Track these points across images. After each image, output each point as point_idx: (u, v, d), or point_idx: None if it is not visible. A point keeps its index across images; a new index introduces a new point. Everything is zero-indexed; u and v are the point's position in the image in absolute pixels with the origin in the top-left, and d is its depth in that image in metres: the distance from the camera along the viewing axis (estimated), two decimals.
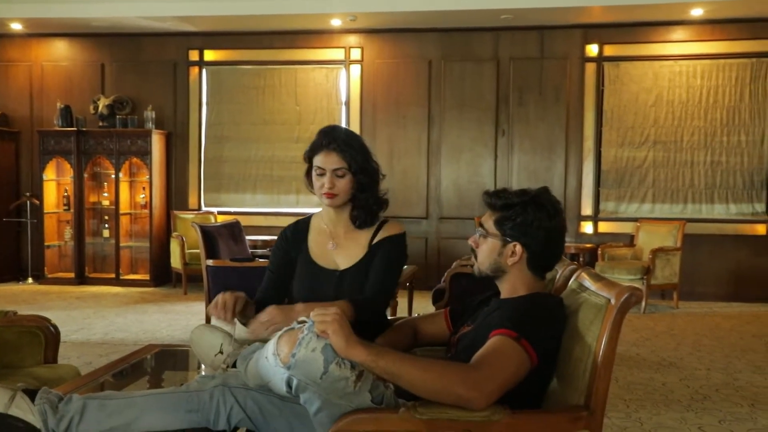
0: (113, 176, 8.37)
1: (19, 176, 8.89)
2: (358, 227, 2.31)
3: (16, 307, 5.71)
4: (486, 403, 1.60)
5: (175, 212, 8.41)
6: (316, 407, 1.64)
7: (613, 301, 1.67)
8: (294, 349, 1.62)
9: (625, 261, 7.28)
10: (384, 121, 8.32)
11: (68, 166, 8.41)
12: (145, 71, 8.67)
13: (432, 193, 8.29)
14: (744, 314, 6.97)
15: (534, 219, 1.88)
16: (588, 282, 1.86)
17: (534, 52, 8.05)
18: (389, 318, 2.46)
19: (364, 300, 2.20)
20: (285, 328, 1.76)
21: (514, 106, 8.09)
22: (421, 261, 7.80)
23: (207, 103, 8.69)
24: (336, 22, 8.00)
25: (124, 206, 8.47)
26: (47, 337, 2.86)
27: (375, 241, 2.29)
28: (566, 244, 3.90)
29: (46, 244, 8.47)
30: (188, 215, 8.30)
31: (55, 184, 8.61)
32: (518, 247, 1.90)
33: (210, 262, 5.32)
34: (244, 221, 6.92)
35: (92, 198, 8.62)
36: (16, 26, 8.40)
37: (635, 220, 7.78)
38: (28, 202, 8.64)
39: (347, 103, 8.43)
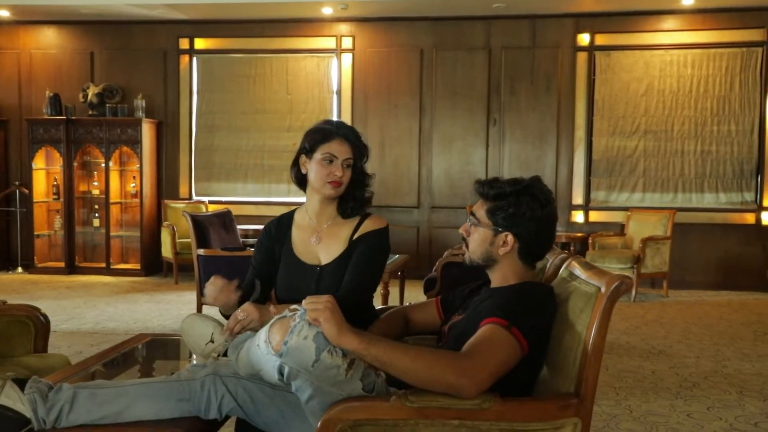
0: (103, 165, 8.32)
1: (7, 165, 8.82)
2: (344, 218, 2.30)
3: (6, 296, 5.63)
4: (477, 391, 1.61)
5: (166, 201, 8.38)
6: (308, 395, 1.65)
7: (603, 290, 1.68)
8: (286, 337, 1.63)
9: (615, 250, 7.31)
10: (375, 110, 8.30)
11: (57, 154, 8.36)
12: (135, 59, 8.61)
13: (423, 182, 8.29)
14: (733, 303, 7.02)
15: (526, 210, 1.88)
16: (578, 270, 1.86)
17: (526, 41, 8.04)
18: (380, 307, 2.46)
19: (341, 296, 2.18)
20: (277, 317, 1.76)
21: (505, 95, 8.08)
22: (412, 250, 7.80)
23: (198, 92, 8.64)
24: (327, 11, 7.96)
25: (114, 195, 8.43)
26: (37, 326, 2.85)
27: (356, 236, 2.28)
28: (557, 234, 3.91)
29: (35, 233, 8.44)
30: (179, 204, 8.27)
31: (44, 173, 8.56)
32: (510, 237, 1.90)
33: (201, 251, 5.32)
34: (235, 210, 6.90)
35: (82, 187, 8.58)
36: (4, 13, 8.31)
37: (626, 209, 7.81)
38: (17, 191, 8.59)
39: (339, 92, 8.40)
